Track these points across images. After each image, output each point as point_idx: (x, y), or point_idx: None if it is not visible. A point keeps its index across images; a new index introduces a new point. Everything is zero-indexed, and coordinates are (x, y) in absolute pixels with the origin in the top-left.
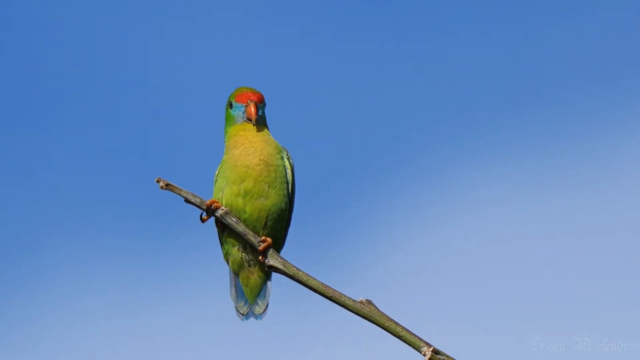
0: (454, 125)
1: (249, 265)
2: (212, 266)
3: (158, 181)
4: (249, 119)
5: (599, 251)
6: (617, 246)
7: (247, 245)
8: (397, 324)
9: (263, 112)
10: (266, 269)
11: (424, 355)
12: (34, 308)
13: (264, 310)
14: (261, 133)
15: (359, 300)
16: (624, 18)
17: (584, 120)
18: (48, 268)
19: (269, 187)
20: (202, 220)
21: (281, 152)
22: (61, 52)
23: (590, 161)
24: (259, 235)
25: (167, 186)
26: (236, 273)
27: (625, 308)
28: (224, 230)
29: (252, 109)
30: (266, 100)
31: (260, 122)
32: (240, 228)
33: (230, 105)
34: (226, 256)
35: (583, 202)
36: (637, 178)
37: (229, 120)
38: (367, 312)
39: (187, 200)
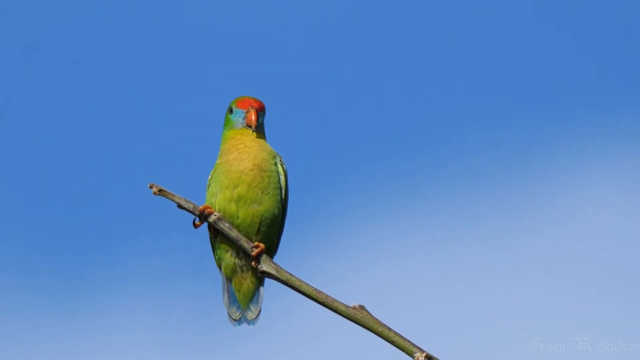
0: (445, 128)
1: (242, 271)
2: (204, 272)
3: (151, 187)
4: (249, 125)
5: (598, 252)
6: (615, 247)
7: (240, 251)
8: (390, 329)
9: (262, 121)
10: (259, 274)
11: None
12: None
13: (257, 315)
14: (257, 139)
15: (351, 305)
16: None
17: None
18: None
19: (262, 192)
20: (195, 226)
21: (275, 157)
22: (52, 51)
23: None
24: (252, 241)
25: (160, 192)
26: (229, 279)
27: (625, 308)
28: (217, 235)
29: (253, 116)
30: (267, 110)
31: (260, 130)
32: (233, 234)
33: (231, 111)
34: (219, 262)
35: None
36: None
37: (227, 124)
38: (360, 318)
39: (180, 206)
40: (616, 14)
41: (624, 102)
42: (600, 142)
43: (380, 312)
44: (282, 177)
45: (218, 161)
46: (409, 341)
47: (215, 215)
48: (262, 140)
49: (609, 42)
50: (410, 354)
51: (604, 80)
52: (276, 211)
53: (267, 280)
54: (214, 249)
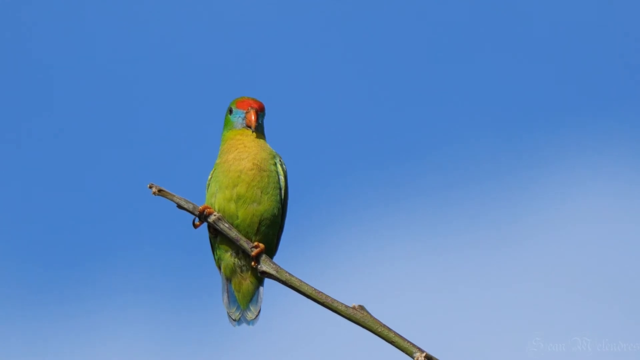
0: (436, 133)
1: (242, 271)
2: (204, 272)
3: (151, 187)
4: (249, 126)
5: (597, 252)
6: (608, 250)
7: (239, 251)
8: (389, 329)
9: (262, 121)
10: (259, 274)
11: None
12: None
13: (256, 316)
14: (257, 139)
15: (351, 305)
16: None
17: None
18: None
19: (261, 192)
20: (195, 226)
21: (274, 157)
22: (47, 52)
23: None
24: (251, 241)
25: (160, 192)
26: (228, 279)
27: (625, 308)
28: (217, 235)
29: (253, 116)
30: (266, 110)
31: (260, 131)
32: (233, 234)
33: (230, 111)
34: (218, 262)
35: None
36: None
37: (227, 125)
38: (359, 318)
39: (179, 206)
40: (602, 24)
41: (612, 112)
42: (590, 150)
43: (379, 312)
44: (282, 177)
45: (217, 161)
46: (408, 341)
47: (214, 215)
48: (261, 141)
49: (597, 50)
50: (410, 354)
51: (592, 89)
52: (276, 211)
53: (266, 281)
54: (213, 249)
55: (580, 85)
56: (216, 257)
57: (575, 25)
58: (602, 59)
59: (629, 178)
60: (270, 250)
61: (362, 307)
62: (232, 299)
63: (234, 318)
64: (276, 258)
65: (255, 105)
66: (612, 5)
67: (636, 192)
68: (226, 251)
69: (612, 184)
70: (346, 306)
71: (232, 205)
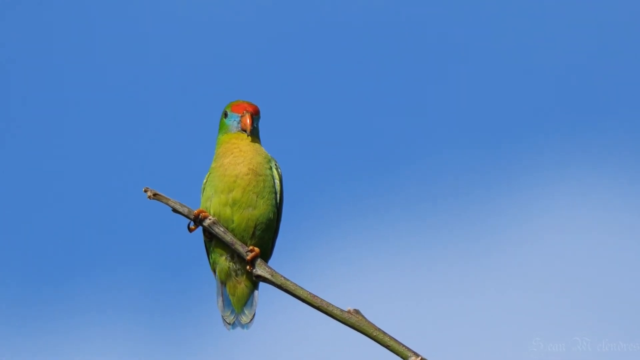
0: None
1: (237, 275)
2: (198, 276)
3: (146, 191)
4: (244, 130)
5: (596, 252)
6: (618, 246)
7: (234, 255)
8: (384, 333)
9: (257, 125)
10: (254, 278)
11: None
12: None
13: (251, 319)
14: (252, 143)
15: (346, 309)
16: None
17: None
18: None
19: (257, 197)
20: (190, 230)
21: (270, 161)
22: (42, 53)
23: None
24: (246, 245)
25: (155, 196)
26: (223, 282)
27: (625, 308)
28: (212, 239)
29: (248, 120)
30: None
31: (255, 134)
32: (228, 238)
33: (225, 115)
34: (213, 265)
35: None
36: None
37: (222, 128)
38: (355, 322)
39: (174, 210)
40: (574, 38)
41: (588, 124)
42: (568, 162)
43: (375, 316)
44: (277, 181)
45: (213, 165)
46: (403, 345)
47: (210, 219)
48: (257, 145)
49: (570, 64)
50: (405, 358)
51: (567, 103)
52: (271, 215)
53: (261, 284)
54: (208, 253)
55: (556, 98)
56: (211, 261)
57: (550, 39)
58: (576, 72)
59: (607, 186)
60: (265, 254)
61: (357, 311)
62: (226, 303)
63: (228, 322)
64: (271, 262)
65: (251, 109)
66: (581, 21)
67: (616, 198)
68: (221, 255)
69: (598, 188)
70: (341, 310)
71: (228, 210)
